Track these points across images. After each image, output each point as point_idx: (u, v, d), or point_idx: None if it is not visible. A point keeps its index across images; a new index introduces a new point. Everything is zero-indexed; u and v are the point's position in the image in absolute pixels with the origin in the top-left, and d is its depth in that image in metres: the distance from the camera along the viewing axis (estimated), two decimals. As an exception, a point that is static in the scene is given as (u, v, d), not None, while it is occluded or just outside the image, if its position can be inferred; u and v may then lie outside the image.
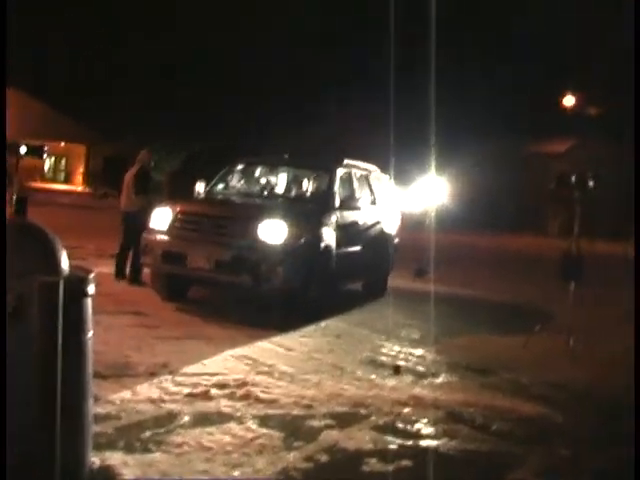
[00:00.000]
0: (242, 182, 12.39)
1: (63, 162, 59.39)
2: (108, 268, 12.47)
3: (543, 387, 8.02)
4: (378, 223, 13.01)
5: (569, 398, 7.71)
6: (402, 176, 17.89)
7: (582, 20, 45.81)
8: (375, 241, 12.75)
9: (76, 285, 4.35)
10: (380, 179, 13.89)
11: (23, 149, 12.07)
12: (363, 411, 6.56)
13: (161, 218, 10.54)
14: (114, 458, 5.02)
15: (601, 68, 43.77)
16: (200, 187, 11.97)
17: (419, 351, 9.27)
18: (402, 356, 8.94)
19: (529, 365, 8.88)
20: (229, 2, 61.56)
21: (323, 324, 10.23)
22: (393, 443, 5.83)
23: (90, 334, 4.52)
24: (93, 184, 52.32)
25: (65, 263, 4.43)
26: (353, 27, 65.11)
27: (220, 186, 12.22)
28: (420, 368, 8.43)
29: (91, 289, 4.46)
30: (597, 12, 44.55)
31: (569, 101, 46.51)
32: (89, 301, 4.47)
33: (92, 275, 4.51)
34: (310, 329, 9.84)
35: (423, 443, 5.94)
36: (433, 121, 18.33)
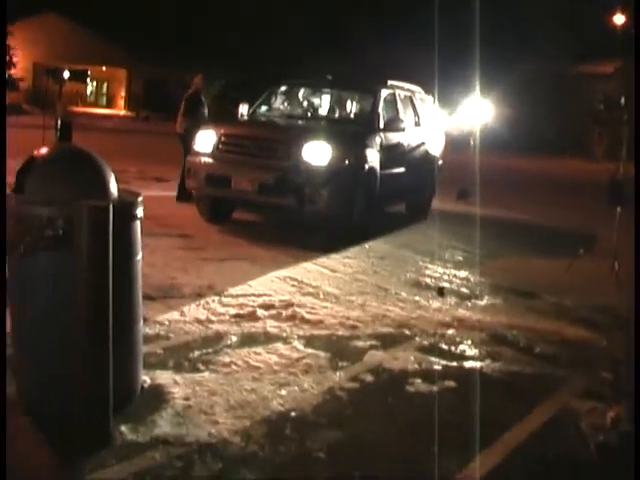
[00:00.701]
0: (285, 104, 12.33)
1: (105, 86, 59.41)
2: (152, 191, 12.57)
3: (587, 310, 8.02)
4: (422, 145, 12.93)
5: (612, 322, 7.70)
6: (446, 98, 17.68)
7: None
8: (419, 163, 12.68)
9: (125, 208, 4.40)
10: (424, 100, 13.76)
11: (66, 74, 12.04)
12: (407, 332, 6.62)
13: (205, 141, 10.55)
14: (164, 377, 5.13)
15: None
16: (243, 109, 11.94)
17: (463, 273, 9.29)
18: (446, 278, 8.97)
19: (573, 288, 8.85)
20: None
21: (367, 246, 10.26)
22: (437, 364, 5.89)
23: (139, 257, 4.59)
24: (135, 108, 52.47)
25: (114, 187, 4.48)
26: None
27: (263, 108, 12.18)
28: (464, 290, 8.46)
29: (140, 212, 4.51)
30: None
31: (619, 19, 45.29)
32: (138, 224, 4.52)
33: (140, 198, 4.56)
34: (354, 251, 9.88)
35: (467, 364, 5.99)
36: (478, 43, 17.99)
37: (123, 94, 58.50)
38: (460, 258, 10.21)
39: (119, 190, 4.55)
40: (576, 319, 7.63)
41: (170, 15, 55.23)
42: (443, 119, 15.18)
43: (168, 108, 46.93)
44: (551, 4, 47.15)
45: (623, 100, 10.08)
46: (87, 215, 4.02)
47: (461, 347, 6.37)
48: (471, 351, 6.31)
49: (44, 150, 4.60)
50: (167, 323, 6.26)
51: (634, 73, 8.15)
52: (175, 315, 6.49)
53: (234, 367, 5.44)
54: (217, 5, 54.42)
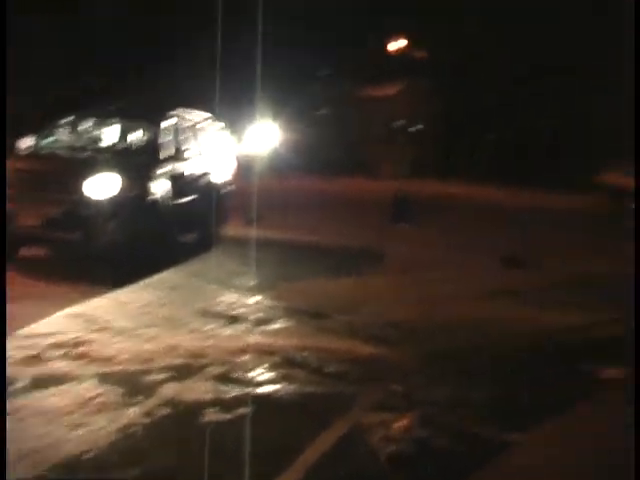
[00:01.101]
0: (69, 135, 12.05)
1: None
2: None
3: (377, 327, 8.33)
4: (208, 173, 12.97)
5: (402, 336, 8.03)
6: (235, 122, 17.83)
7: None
8: (206, 191, 12.69)
9: None
10: (212, 127, 13.79)
11: None
12: (201, 362, 6.68)
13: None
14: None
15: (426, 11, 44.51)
16: (25, 142, 11.62)
17: (255, 299, 9.43)
18: (238, 304, 9.08)
19: (363, 306, 9.18)
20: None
21: (157, 277, 10.21)
22: (231, 392, 5.99)
23: None
24: None
25: None
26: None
27: (47, 140, 11.86)
28: (256, 315, 8.60)
29: None
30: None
31: (399, 44, 47.10)
32: None
33: None
34: (145, 283, 9.81)
35: (260, 390, 6.13)
36: (259, 65, 18.26)
37: None
38: (252, 284, 10.34)
39: None
40: (366, 336, 7.91)
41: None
42: (233, 144, 15.22)
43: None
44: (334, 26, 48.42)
45: (404, 122, 10.56)
46: None
47: (254, 373, 6.51)
48: (264, 376, 6.46)
49: None
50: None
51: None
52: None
53: (25, 412, 5.32)
54: None
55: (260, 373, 6.52)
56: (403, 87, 45.84)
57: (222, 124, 14.44)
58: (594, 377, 7.00)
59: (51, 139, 11.93)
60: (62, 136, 12.04)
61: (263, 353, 7.05)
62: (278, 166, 25.26)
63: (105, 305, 8.55)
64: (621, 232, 11.16)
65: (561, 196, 22.87)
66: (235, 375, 6.41)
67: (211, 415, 5.49)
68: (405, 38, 45.61)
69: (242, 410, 5.60)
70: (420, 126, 9.24)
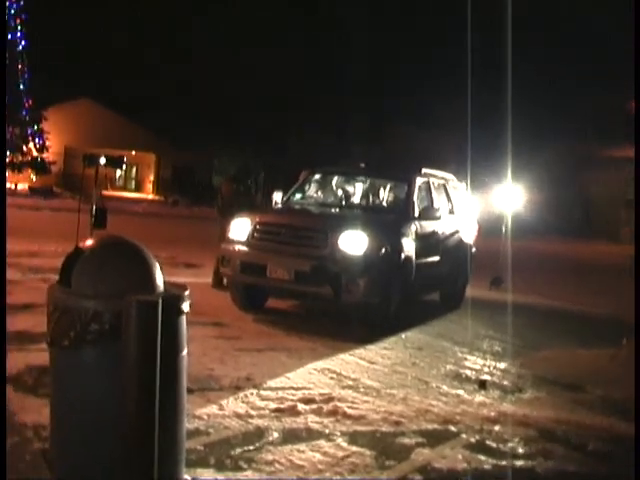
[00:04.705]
0: (319, 192, 12.31)
1: (134, 170, 60.11)
2: (184, 277, 12.52)
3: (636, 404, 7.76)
4: (456, 232, 12.84)
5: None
6: (477, 184, 17.66)
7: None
8: (453, 251, 12.58)
9: (173, 303, 4.29)
10: (457, 187, 13.73)
11: (102, 160, 12.11)
12: (453, 428, 6.41)
13: (240, 228, 10.51)
14: (205, 475, 4.97)
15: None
16: (277, 197, 11.95)
17: (503, 364, 9.09)
18: (486, 370, 8.77)
19: (619, 380, 8.60)
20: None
21: (404, 336, 10.09)
22: (486, 463, 5.67)
23: (185, 352, 4.47)
24: (163, 192, 52.97)
25: (161, 280, 4.38)
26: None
27: (297, 196, 12.16)
28: (506, 382, 8.25)
29: (186, 306, 4.40)
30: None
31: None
32: (184, 318, 4.41)
33: (187, 292, 4.45)
34: (391, 341, 9.71)
35: (517, 463, 5.77)
36: (508, 129, 18.04)
37: (152, 178, 59.16)
38: (499, 349, 10.01)
39: (165, 282, 4.46)
40: (626, 413, 7.37)
41: (198, 100, 56.03)
42: (475, 206, 15.06)
43: (196, 193, 47.52)
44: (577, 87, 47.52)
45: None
46: (136, 310, 3.93)
47: (510, 444, 6.15)
48: (520, 449, 6.09)
49: (90, 241, 4.53)
50: (206, 417, 6.09)
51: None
52: (214, 409, 6.32)
53: (277, 466, 5.26)
54: (247, 88, 55.19)
55: (516, 445, 6.16)
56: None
57: (464, 184, 14.34)
58: None
59: (301, 194, 12.20)
60: (312, 192, 12.30)
61: (517, 424, 6.69)
62: (521, 228, 24.73)
63: (353, 362, 8.45)
64: None
65: None
66: (490, 445, 6.08)
67: (467, 486, 5.21)
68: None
69: (499, 484, 5.29)
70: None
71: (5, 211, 5.91)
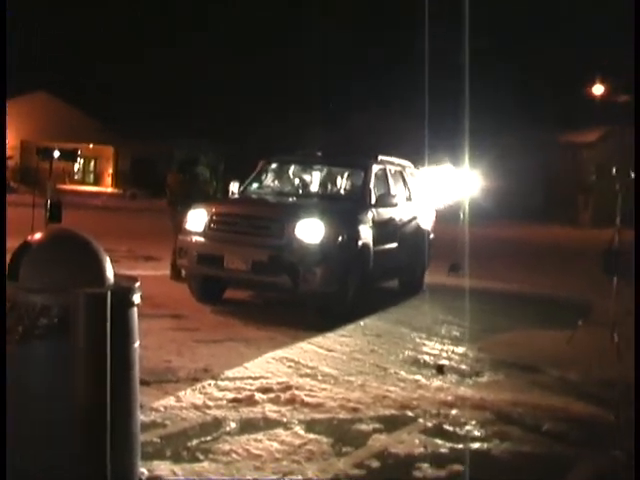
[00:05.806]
0: (276, 181, 12.27)
1: (92, 164, 59.56)
2: (142, 270, 12.46)
3: (592, 385, 7.84)
4: (414, 219, 12.87)
5: (618, 396, 7.51)
6: (435, 170, 17.68)
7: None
8: (411, 238, 12.61)
9: (122, 295, 4.25)
10: (414, 174, 13.75)
11: (56, 153, 11.97)
12: (410, 413, 6.44)
13: (196, 219, 10.45)
14: (162, 468, 4.95)
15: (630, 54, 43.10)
16: (234, 187, 11.89)
17: (461, 349, 9.14)
18: (444, 355, 8.81)
19: (575, 362, 8.69)
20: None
21: (362, 323, 10.12)
22: (444, 447, 5.70)
23: (137, 344, 4.43)
24: (122, 185, 52.57)
25: (111, 272, 4.34)
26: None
27: (254, 185, 12.10)
28: (464, 366, 8.30)
29: (137, 298, 4.36)
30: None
31: (598, 89, 45.85)
32: (135, 310, 4.37)
33: (138, 284, 4.41)
34: (350, 329, 9.73)
35: (474, 446, 5.81)
36: (464, 114, 18.11)
37: (110, 171, 58.65)
38: (457, 333, 10.05)
39: (115, 275, 4.42)
40: (582, 394, 7.44)
41: (158, 91, 55.68)
42: (432, 192, 15.09)
43: (155, 185, 47.22)
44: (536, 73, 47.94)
45: (615, 170, 10.03)
46: (84, 303, 3.89)
47: (466, 427, 6.19)
48: (477, 431, 6.13)
49: (38, 235, 4.47)
50: (163, 409, 6.07)
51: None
52: (171, 401, 6.30)
53: (234, 456, 5.25)
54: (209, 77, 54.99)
55: (473, 428, 6.20)
56: (604, 133, 44.57)
57: (421, 171, 14.39)
58: None
59: (258, 184, 12.15)
60: (269, 181, 12.26)
61: (474, 407, 6.73)
62: (478, 214, 24.85)
63: (311, 350, 8.46)
64: None
65: None
66: (447, 429, 6.12)
67: (424, 471, 5.22)
68: (607, 82, 44.46)
69: (456, 467, 5.30)
70: (632, 174, 8.69)
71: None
